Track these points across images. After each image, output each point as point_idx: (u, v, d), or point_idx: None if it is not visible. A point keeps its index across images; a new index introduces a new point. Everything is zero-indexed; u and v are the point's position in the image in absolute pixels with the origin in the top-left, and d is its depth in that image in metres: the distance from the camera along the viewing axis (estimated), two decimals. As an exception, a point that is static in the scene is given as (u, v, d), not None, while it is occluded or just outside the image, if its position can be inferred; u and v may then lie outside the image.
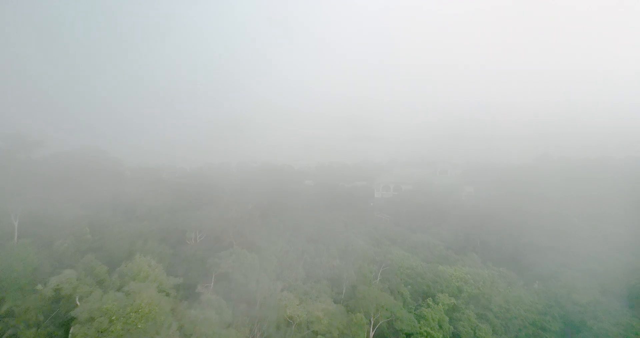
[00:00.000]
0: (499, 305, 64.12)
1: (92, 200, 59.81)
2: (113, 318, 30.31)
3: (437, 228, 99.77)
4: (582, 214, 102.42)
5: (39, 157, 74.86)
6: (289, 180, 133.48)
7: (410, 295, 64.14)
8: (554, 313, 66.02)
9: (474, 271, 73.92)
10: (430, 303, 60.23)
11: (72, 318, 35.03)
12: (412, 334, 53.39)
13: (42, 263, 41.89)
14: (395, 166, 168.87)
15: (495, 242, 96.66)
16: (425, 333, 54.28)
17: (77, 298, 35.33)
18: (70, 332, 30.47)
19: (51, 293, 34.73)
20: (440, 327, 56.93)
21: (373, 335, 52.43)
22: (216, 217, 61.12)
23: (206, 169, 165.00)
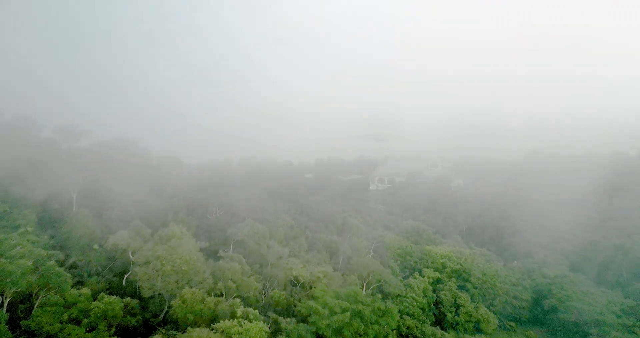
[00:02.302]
0: (477, 278, 72.48)
1: (130, 181, 70.13)
2: (164, 262, 39.72)
3: (427, 215, 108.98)
4: (560, 202, 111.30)
5: (80, 146, 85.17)
6: (290, 173, 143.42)
7: (399, 269, 73.13)
8: (525, 285, 75.46)
9: (457, 250, 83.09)
10: (417, 276, 69.17)
11: (126, 270, 44.50)
12: (399, 296, 62.33)
13: (95, 229, 51.53)
14: (391, 161, 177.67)
15: (479, 227, 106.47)
16: (411, 298, 63.31)
17: (130, 252, 44.76)
18: (130, 272, 39.69)
19: (110, 247, 44.24)
20: (425, 295, 66.00)
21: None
22: (232, 196, 71.32)
23: (209, 165, 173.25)
